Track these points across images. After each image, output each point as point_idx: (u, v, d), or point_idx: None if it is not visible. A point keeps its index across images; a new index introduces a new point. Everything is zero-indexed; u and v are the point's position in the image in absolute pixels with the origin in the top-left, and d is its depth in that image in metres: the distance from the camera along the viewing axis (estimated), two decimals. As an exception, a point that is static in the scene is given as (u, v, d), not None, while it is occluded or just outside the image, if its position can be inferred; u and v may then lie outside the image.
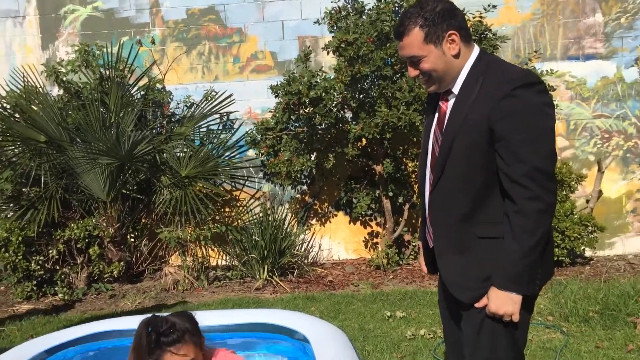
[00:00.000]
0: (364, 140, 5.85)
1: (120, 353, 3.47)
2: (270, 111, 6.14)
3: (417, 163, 5.99)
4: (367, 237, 6.43)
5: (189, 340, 2.17)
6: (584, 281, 4.89)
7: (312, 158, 6.03)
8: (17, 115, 5.95)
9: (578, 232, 5.31)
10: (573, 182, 5.57)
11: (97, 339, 3.55)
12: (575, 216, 5.43)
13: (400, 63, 5.45)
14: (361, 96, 5.82)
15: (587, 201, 5.88)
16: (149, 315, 2.25)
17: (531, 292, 1.92)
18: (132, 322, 3.69)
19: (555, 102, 5.75)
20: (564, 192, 5.53)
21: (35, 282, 5.50)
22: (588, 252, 5.77)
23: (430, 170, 2.10)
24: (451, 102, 1.99)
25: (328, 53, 5.71)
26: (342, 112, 5.92)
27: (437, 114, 2.08)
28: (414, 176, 6.16)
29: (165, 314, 2.25)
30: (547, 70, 5.80)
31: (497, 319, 1.92)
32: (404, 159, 6.11)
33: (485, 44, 5.47)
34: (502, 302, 1.87)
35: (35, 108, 5.92)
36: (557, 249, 5.31)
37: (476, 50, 1.98)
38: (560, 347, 3.58)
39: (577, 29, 6.15)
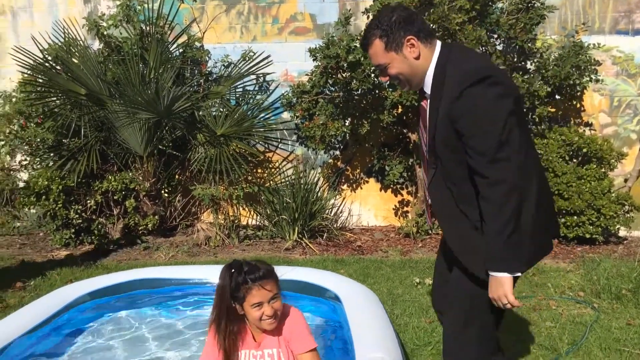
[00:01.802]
0: (400, 107, 5.80)
1: (156, 300, 3.60)
2: (307, 74, 6.11)
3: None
4: (398, 205, 6.44)
5: (273, 277, 2.27)
6: (617, 260, 4.84)
7: (347, 123, 6.01)
8: (58, 67, 6.05)
9: (614, 210, 5.22)
10: (613, 160, 5.46)
11: (134, 287, 3.69)
12: (613, 194, 5.34)
13: (442, 29, 5.35)
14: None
15: (626, 180, 5.77)
16: (230, 261, 2.33)
17: (519, 272, 2.00)
18: (168, 272, 3.82)
19: (599, 77, 5.61)
20: (603, 170, 5.43)
21: (73, 230, 5.68)
22: (622, 232, 5.68)
23: (424, 168, 2.29)
24: (428, 101, 2.12)
25: (368, 17, 5.63)
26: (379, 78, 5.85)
27: (420, 113, 2.21)
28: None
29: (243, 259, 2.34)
30: (594, 44, 5.64)
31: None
32: (440, 129, 6.05)
33: (532, 13, 5.33)
34: (494, 287, 1.99)
35: (76, 61, 6.00)
36: (591, 227, 5.25)
37: (438, 47, 2.09)
38: (591, 322, 3.58)
39: (628, 2, 5.93)
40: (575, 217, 5.27)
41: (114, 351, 2.95)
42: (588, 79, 5.56)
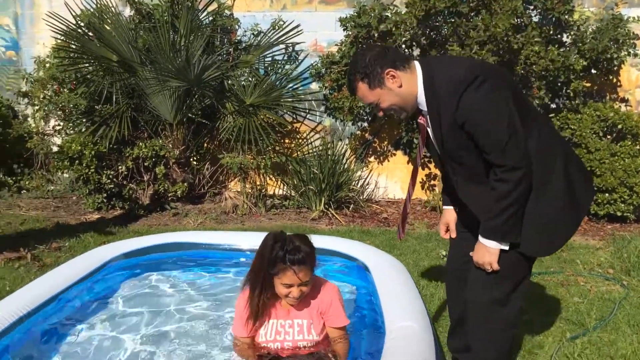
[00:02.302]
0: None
1: (189, 263, 3.69)
2: (336, 44, 6.07)
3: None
4: (425, 179, 6.41)
5: (309, 264, 2.29)
6: (648, 238, 4.76)
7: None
8: (90, 34, 6.10)
9: (647, 189, 5.13)
10: (648, 138, 5.34)
11: (165, 249, 3.78)
12: (646, 173, 5.23)
13: (477, 0, 5.24)
14: (432, 33, 5.65)
15: (661, 158, 5.64)
16: (277, 230, 2.37)
17: (507, 245, 2.16)
18: (199, 237, 3.89)
19: (638, 52, 5.46)
20: (637, 147, 5.31)
21: (105, 195, 5.81)
22: (655, 211, 5.59)
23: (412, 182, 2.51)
24: (427, 117, 2.23)
25: (401, -14, 5.54)
26: (410, 49, 5.78)
27: (420, 129, 2.33)
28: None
29: (288, 234, 2.36)
30: (633, 17, 5.46)
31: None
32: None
33: (570, -16, 5.18)
34: (482, 253, 2.18)
35: (108, 28, 6.04)
36: (622, 205, 5.17)
37: (418, 67, 2.19)
38: (620, 299, 3.55)
39: (673, -26, 5.72)
40: (607, 194, 5.19)
41: (143, 312, 3.03)
42: (626, 53, 5.41)
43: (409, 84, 2.16)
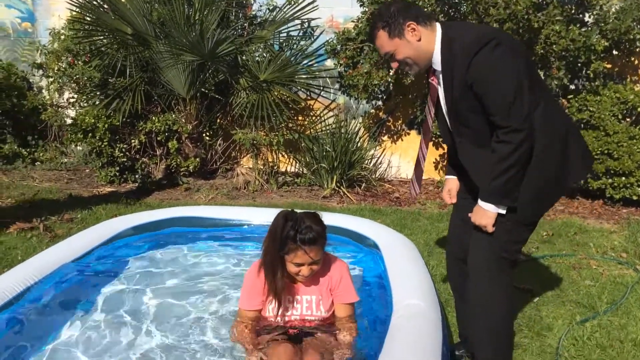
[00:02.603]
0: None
1: (198, 237, 3.69)
2: (352, 21, 5.97)
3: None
4: (438, 159, 6.35)
5: (320, 244, 2.29)
6: (664, 224, 4.69)
7: (391, 73, 5.89)
8: (105, 6, 6.07)
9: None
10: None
11: (179, 224, 3.78)
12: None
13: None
14: (451, 11, 5.54)
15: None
16: (287, 209, 2.37)
17: (504, 209, 2.22)
18: (210, 212, 3.90)
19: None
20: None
21: (117, 168, 5.83)
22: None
23: (425, 142, 2.57)
24: (440, 77, 2.27)
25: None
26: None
27: (430, 89, 2.37)
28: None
29: (299, 211, 2.35)
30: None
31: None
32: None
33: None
34: (480, 215, 2.25)
35: (123, 0, 6.01)
36: (639, 188, 5.08)
37: (439, 28, 2.23)
38: (632, 283, 3.50)
39: (702, -48, 5.51)
40: (623, 177, 5.09)
41: (151, 286, 3.05)
42: (650, 34, 5.25)
43: (428, 40, 2.21)
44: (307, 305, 2.42)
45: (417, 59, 2.24)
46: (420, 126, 6.29)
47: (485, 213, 2.23)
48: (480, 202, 2.25)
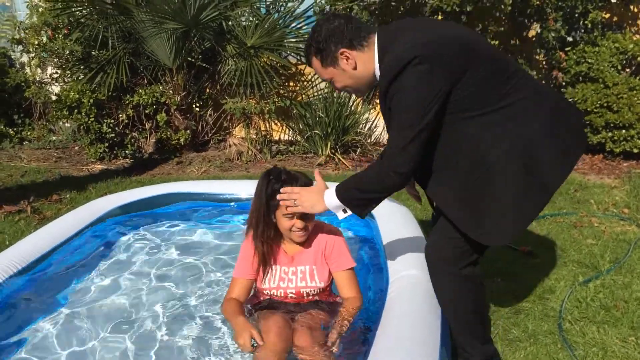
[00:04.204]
0: (440, 13, 5.43)
1: (189, 214, 3.60)
2: (341, -22, 5.73)
3: (497, 42, 5.59)
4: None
5: None
6: (666, 176, 4.60)
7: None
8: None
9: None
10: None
11: (168, 201, 3.68)
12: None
13: None
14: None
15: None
16: (271, 167, 2.35)
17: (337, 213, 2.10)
18: (200, 187, 3.79)
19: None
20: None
21: (107, 144, 5.70)
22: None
23: None
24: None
25: None
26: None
27: None
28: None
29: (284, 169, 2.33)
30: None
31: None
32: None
33: None
34: (313, 201, 2.12)
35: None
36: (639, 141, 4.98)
37: (375, 44, 2.00)
38: (635, 240, 3.42)
39: None
40: (623, 130, 4.97)
41: (142, 264, 2.97)
42: (649, -21, 5.05)
43: (365, 64, 2.01)
44: (302, 276, 2.36)
45: (357, 85, 2.07)
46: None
47: (322, 204, 2.09)
48: (327, 193, 2.09)
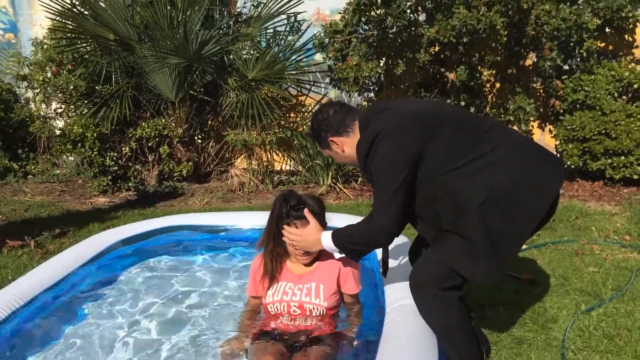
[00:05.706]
0: (437, 45, 5.53)
1: (190, 247, 3.62)
2: (339, 12, 5.86)
3: (493, 72, 5.67)
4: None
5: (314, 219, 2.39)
6: (667, 203, 4.61)
7: (381, 64, 5.78)
8: (86, 12, 5.96)
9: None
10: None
11: (169, 231, 3.70)
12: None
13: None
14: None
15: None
16: (286, 190, 2.57)
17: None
18: (202, 219, 3.81)
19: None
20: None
21: (110, 177, 5.75)
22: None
23: None
24: None
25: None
26: (415, 14, 5.56)
27: None
28: (488, 85, 5.84)
29: (301, 193, 2.49)
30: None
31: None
32: (480, 67, 5.76)
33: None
34: (312, 242, 2.35)
35: (103, 5, 5.90)
36: (639, 167, 4.99)
37: (357, 126, 2.29)
38: (637, 268, 3.42)
39: None
40: (622, 157, 5.00)
41: (147, 297, 2.97)
42: (642, 10, 5.15)
43: (352, 147, 2.29)
44: (307, 292, 2.45)
45: (350, 162, 2.37)
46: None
47: (318, 244, 2.32)
48: (324, 236, 2.31)
